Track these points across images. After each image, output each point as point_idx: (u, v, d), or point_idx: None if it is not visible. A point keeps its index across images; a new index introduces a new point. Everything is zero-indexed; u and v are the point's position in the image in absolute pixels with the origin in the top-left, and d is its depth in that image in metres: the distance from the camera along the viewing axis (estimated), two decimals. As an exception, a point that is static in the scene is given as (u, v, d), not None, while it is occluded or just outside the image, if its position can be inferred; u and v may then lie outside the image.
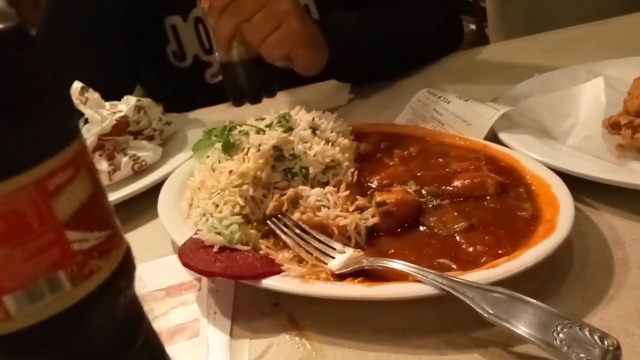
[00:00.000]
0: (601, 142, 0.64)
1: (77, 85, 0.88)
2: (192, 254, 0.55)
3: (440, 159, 0.68)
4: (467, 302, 0.42)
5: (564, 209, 0.51)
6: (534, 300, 0.41)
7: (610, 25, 1.10)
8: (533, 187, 0.57)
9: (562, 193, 0.54)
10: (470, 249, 0.51)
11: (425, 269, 0.47)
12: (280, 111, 0.71)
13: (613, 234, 0.54)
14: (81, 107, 0.87)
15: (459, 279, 0.44)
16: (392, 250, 0.54)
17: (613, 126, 0.64)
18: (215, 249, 0.55)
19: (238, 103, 0.93)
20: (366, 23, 1.02)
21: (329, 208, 0.59)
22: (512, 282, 0.45)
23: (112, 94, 0.90)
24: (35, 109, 0.25)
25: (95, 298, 0.28)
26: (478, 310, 0.41)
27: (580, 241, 0.53)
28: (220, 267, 0.53)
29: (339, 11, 1.02)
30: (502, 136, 0.67)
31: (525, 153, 0.63)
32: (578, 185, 0.57)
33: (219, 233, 0.57)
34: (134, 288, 0.32)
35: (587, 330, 0.37)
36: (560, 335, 0.38)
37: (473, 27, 2.96)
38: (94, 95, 0.88)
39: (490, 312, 0.41)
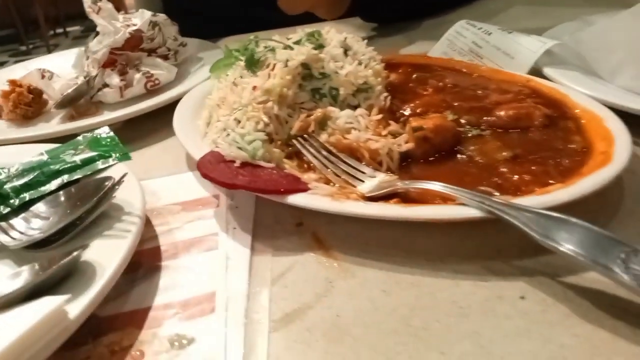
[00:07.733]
0: (656, 82, 0.59)
1: (90, -7, 0.82)
2: (212, 167, 0.51)
3: (479, 91, 0.63)
4: (519, 225, 0.38)
5: (619, 141, 0.47)
6: (594, 227, 0.37)
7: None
8: (583, 121, 0.52)
9: (616, 126, 0.49)
10: (516, 177, 0.47)
11: (469, 191, 0.43)
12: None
13: (666, 174, 0.50)
14: (93, 17, 0.81)
15: (509, 202, 0.41)
16: (427, 178, 0.50)
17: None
18: (237, 164, 0.52)
19: None
20: None
21: (359, 131, 0.55)
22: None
23: None
24: None
25: None
26: (532, 234, 0.37)
27: (631, 178, 0.49)
28: (243, 181, 0.49)
29: None
30: (547, 71, 0.62)
31: (574, 88, 0.58)
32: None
33: (240, 148, 0.53)
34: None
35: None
36: (625, 262, 0.34)
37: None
38: (107, 5, 0.83)
39: (546, 235, 0.37)
